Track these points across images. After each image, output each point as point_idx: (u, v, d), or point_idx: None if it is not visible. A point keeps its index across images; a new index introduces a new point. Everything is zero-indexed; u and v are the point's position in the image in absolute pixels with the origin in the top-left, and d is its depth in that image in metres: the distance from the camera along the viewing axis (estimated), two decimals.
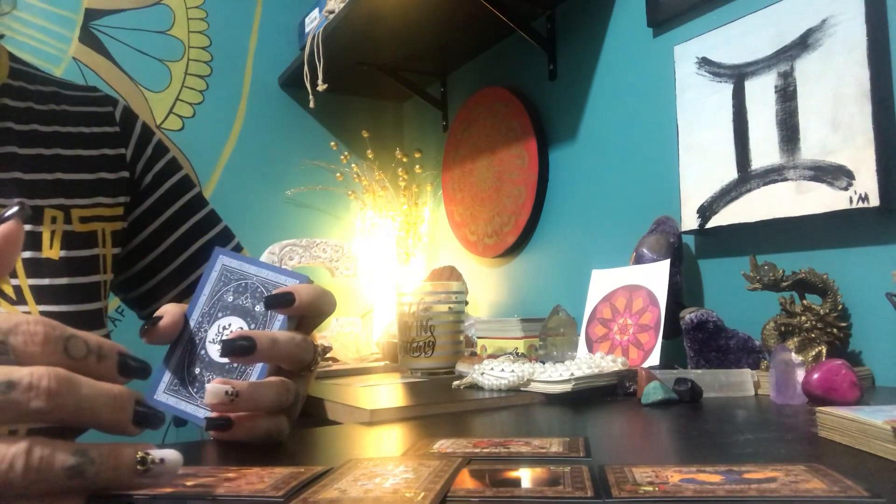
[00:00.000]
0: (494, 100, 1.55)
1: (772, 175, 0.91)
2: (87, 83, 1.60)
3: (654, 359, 0.87)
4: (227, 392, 0.44)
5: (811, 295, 0.82)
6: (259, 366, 0.49)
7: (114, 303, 1.44)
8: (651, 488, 0.33)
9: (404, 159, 1.82)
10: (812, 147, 0.87)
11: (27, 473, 0.28)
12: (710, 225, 0.99)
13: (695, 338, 0.85)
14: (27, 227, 0.61)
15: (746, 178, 0.94)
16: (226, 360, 0.49)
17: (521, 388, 0.77)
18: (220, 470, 0.39)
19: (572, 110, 1.35)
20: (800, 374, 0.66)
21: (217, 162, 1.74)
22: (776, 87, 0.91)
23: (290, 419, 0.51)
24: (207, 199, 0.78)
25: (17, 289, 0.59)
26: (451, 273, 1.48)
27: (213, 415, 0.46)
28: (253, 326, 0.51)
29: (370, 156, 1.81)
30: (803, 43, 0.88)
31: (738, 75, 0.96)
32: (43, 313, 0.60)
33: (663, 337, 0.89)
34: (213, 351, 0.50)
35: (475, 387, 0.81)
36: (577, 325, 1.03)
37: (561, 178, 1.39)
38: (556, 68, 1.39)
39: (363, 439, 0.55)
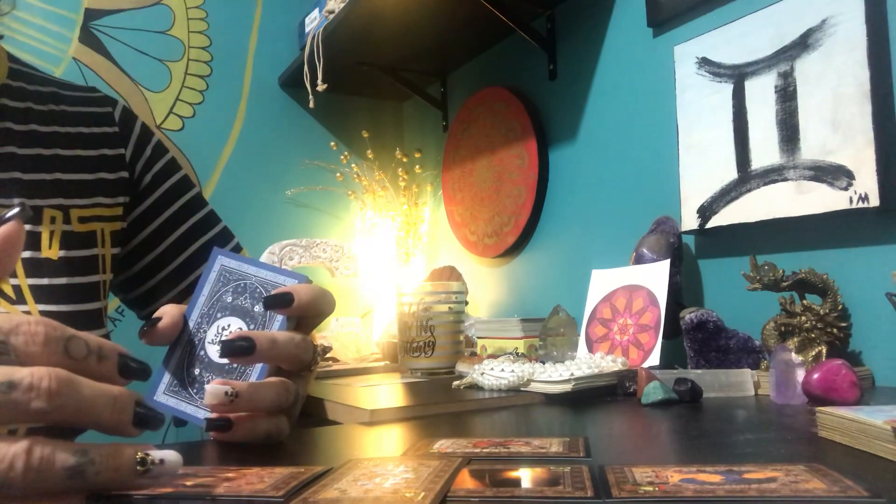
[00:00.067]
0: (494, 100, 1.55)
1: (772, 175, 0.91)
2: (87, 83, 1.60)
3: (654, 359, 0.87)
4: (226, 393, 0.44)
5: (811, 295, 0.82)
6: (259, 366, 0.49)
7: (114, 303, 1.44)
8: (651, 488, 0.33)
9: (404, 159, 1.82)
10: (812, 147, 0.87)
11: (27, 473, 0.28)
12: (710, 225, 0.99)
13: (695, 338, 0.85)
14: (26, 227, 0.61)
15: (746, 178, 0.94)
16: (225, 360, 0.49)
17: (521, 389, 0.77)
18: (220, 470, 0.39)
19: (572, 110, 1.35)
20: (800, 374, 0.66)
21: (217, 162, 1.74)
22: (776, 87, 0.91)
23: (290, 419, 0.51)
24: (207, 199, 0.78)
25: (17, 288, 0.59)
26: (451, 273, 1.48)
27: (213, 415, 0.46)
28: (252, 327, 0.51)
29: (370, 156, 1.81)
30: (803, 43, 0.88)
31: (738, 75, 0.96)
32: (42, 313, 0.60)
33: (663, 337, 0.89)
34: (213, 351, 0.50)
35: (475, 387, 0.81)
36: (577, 325, 1.03)
37: (561, 178, 1.39)
38: (556, 68, 1.39)
39: (363, 439, 0.55)
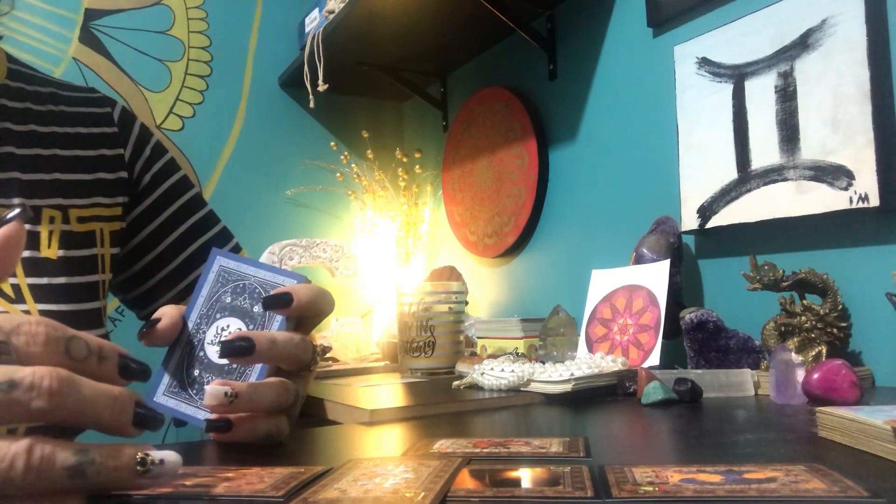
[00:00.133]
0: (494, 100, 1.55)
1: (772, 175, 0.91)
2: (87, 83, 1.60)
3: (654, 359, 0.87)
4: (226, 393, 0.44)
5: (811, 295, 0.82)
6: (258, 366, 0.49)
7: (114, 303, 1.44)
8: (651, 488, 0.33)
9: (404, 159, 1.82)
10: (812, 147, 0.87)
11: (28, 472, 0.28)
12: (710, 225, 0.99)
13: (695, 338, 0.85)
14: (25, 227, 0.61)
15: (746, 179, 0.94)
16: (225, 361, 0.49)
17: (521, 389, 0.77)
18: (220, 470, 0.39)
19: (572, 110, 1.35)
20: (800, 374, 0.66)
21: (217, 162, 1.74)
22: (776, 87, 0.91)
23: (290, 419, 0.51)
24: (207, 199, 0.78)
25: (16, 287, 0.59)
26: (451, 273, 1.48)
27: (213, 416, 0.46)
28: (251, 327, 0.50)
29: (370, 156, 1.81)
30: (803, 43, 0.88)
31: (738, 75, 0.96)
32: (41, 312, 0.60)
33: (663, 337, 0.89)
34: (212, 352, 0.50)
35: (475, 387, 0.81)
36: (577, 325, 1.03)
37: (561, 178, 1.39)
38: (556, 68, 1.39)
39: (363, 439, 0.55)
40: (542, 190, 1.42)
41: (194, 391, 0.50)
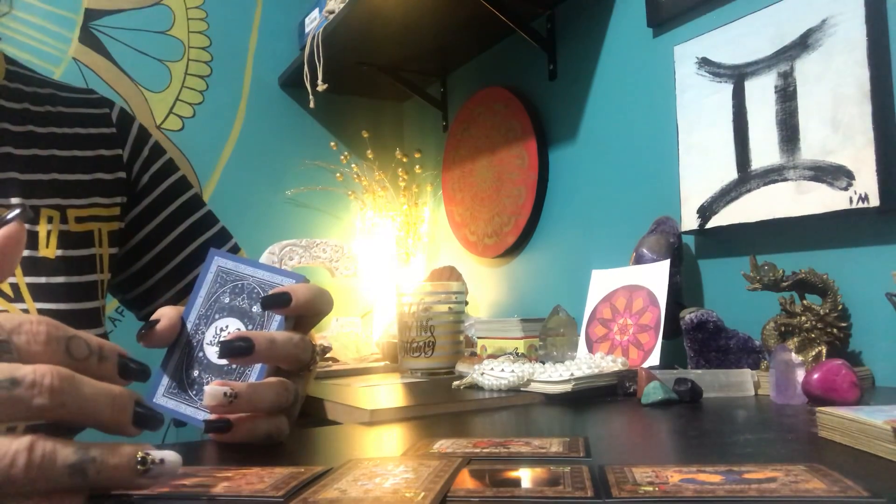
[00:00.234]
0: (494, 100, 1.55)
1: (772, 175, 0.91)
2: (86, 83, 1.60)
3: (654, 359, 0.87)
4: (225, 394, 0.44)
5: (811, 295, 0.82)
6: (258, 367, 0.49)
7: (114, 303, 1.44)
8: (651, 488, 0.33)
9: (404, 159, 1.82)
10: (812, 147, 0.87)
11: (29, 470, 0.28)
12: (710, 225, 0.99)
13: (695, 338, 0.85)
14: None
15: (746, 179, 0.94)
16: (224, 361, 0.49)
17: (521, 389, 0.77)
18: (220, 470, 0.39)
19: (572, 110, 1.35)
20: (800, 375, 0.66)
21: (217, 162, 1.74)
22: (776, 87, 0.91)
23: (289, 419, 0.51)
24: (207, 200, 0.78)
25: (15, 286, 0.60)
26: (451, 273, 1.48)
27: (213, 417, 0.46)
28: (250, 327, 0.50)
29: (370, 156, 1.81)
30: (803, 43, 0.88)
31: (738, 75, 0.96)
32: (40, 311, 0.60)
33: (663, 337, 0.89)
34: (211, 353, 0.50)
35: (475, 387, 0.81)
36: (577, 325, 1.03)
37: (561, 178, 1.39)
38: (556, 68, 1.39)
39: (363, 439, 0.55)
40: (542, 190, 1.42)
41: (194, 392, 0.50)
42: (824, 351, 0.77)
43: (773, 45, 0.92)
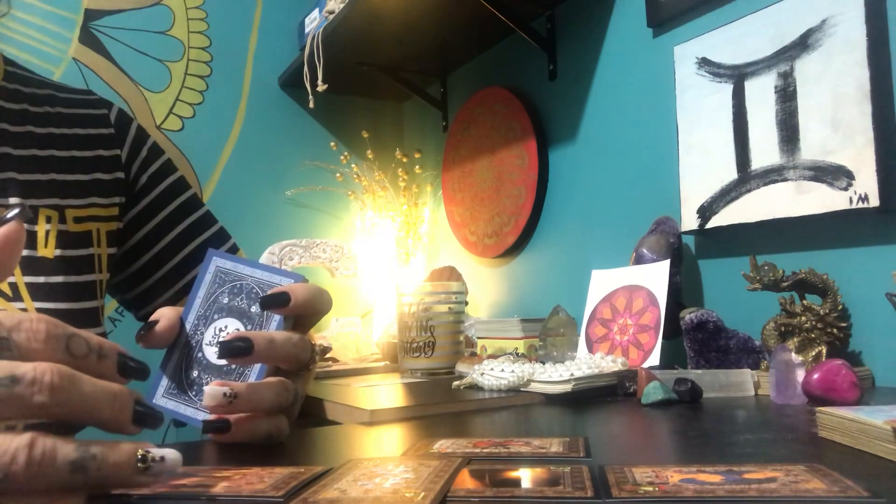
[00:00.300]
0: (494, 100, 1.55)
1: (772, 175, 0.91)
2: (86, 83, 1.60)
3: (654, 359, 0.87)
4: (225, 394, 0.44)
5: (811, 295, 0.82)
6: (257, 367, 0.49)
7: (113, 304, 1.44)
8: (651, 488, 0.33)
9: (404, 159, 1.82)
10: (812, 147, 0.87)
11: (30, 467, 0.28)
12: (710, 225, 0.99)
13: (695, 338, 0.85)
14: None
15: (746, 179, 0.94)
16: (223, 361, 0.49)
17: (521, 389, 0.77)
18: (220, 470, 0.39)
19: (572, 110, 1.35)
20: (800, 375, 0.66)
21: (217, 162, 1.74)
22: (776, 87, 0.91)
23: (289, 419, 0.51)
24: (207, 200, 0.78)
25: (13, 286, 0.60)
26: (451, 273, 1.48)
27: (213, 417, 0.46)
28: (249, 327, 0.50)
29: (370, 156, 1.81)
30: (803, 43, 0.88)
31: (737, 75, 0.96)
32: (39, 310, 0.60)
33: (663, 337, 0.89)
34: (211, 353, 0.50)
35: (475, 387, 0.81)
36: (577, 325, 1.03)
37: (561, 178, 1.39)
38: (556, 68, 1.39)
39: (363, 439, 0.55)
40: (542, 190, 1.42)
41: (193, 393, 0.50)
42: (824, 351, 0.77)
43: (773, 45, 0.92)
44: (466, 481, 0.36)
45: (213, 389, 0.44)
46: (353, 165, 1.83)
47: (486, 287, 1.61)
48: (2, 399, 0.29)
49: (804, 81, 0.88)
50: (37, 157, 0.65)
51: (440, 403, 0.71)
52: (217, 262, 0.53)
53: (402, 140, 2.00)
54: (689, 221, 1.02)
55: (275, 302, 0.49)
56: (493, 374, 0.79)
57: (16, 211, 0.36)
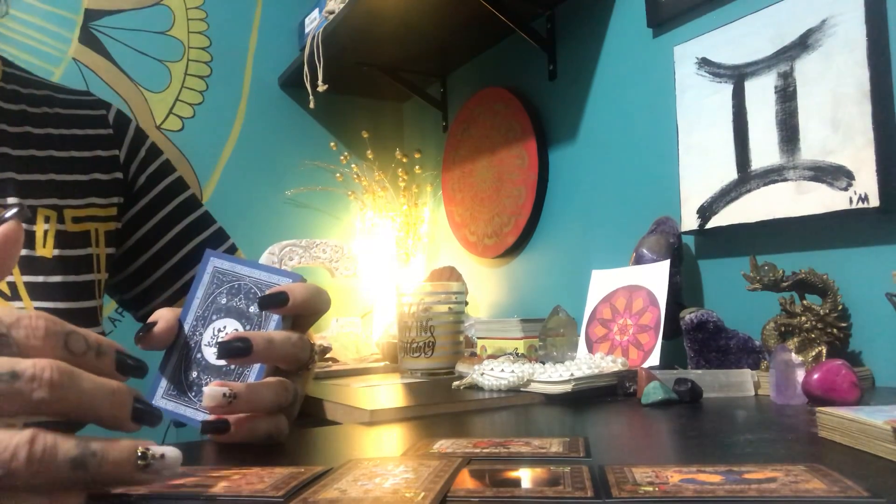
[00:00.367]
0: (494, 100, 1.55)
1: (772, 175, 0.91)
2: (86, 83, 1.60)
3: (654, 359, 0.87)
4: (224, 394, 0.44)
5: (811, 295, 0.82)
6: (256, 367, 0.49)
7: (113, 304, 1.44)
8: (651, 488, 0.33)
9: (404, 160, 1.82)
10: (812, 147, 0.87)
11: (30, 463, 0.28)
12: (709, 225, 0.99)
13: (695, 338, 0.85)
14: None
15: (746, 179, 0.94)
16: (223, 362, 0.49)
17: (521, 389, 0.77)
18: (220, 470, 0.39)
19: (572, 110, 1.35)
20: (800, 375, 0.66)
21: (217, 162, 1.74)
22: (776, 87, 0.91)
23: (289, 419, 0.51)
24: (207, 200, 0.79)
25: (12, 285, 0.60)
26: (451, 273, 1.48)
27: (211, 418, 0.46)
28: (248, 328, 0.50)
29: (370, 156, 1.81)
30: (803, 43, 0.88)
31: (737, 76, 0.96)
32: (37, 309, 0.60)
33: (663, 337, 0.89)
34: (210, 354, 0.50)
35: (475, 387, 0.81)
36: (577, 325, 1.03)
37: (561, 178, 1.39)
38: (556, 68, 1.39)
39: (363, 439, 0.55)
40: (542, 190, 1.42)
41: (193, 394, 0.49)
42: (824, 351, 0.77)
43: (773, 45, 0.92)
44: (466, 481, 0.36)
45: (212, 390, 0.44)
46: (353, 165, 1.83)
47: (486, 287, 1.61)
48: (2, 394, 0.29)
49: (804, 81, 0.88)
50: (35, 158, 0.65)
51: (440, 403, 0.71)
52: (215, 263, 0.53)
53: (402, 140, 2.00)
54: (689, 221, 1.02)
55: (273, 302, 0.49)
56: (493, 374, 0.79)
57: (14, 211, 0.36)
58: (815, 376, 0.63)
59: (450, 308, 1.12)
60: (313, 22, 1.66)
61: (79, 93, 0.74)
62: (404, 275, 1.71)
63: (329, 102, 1.83)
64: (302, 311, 0.50)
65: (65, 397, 0.30)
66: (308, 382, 0.54)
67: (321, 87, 1.49)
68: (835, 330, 0.79)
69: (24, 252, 0.61)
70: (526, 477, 0.37)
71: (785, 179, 0.90)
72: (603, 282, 1.02)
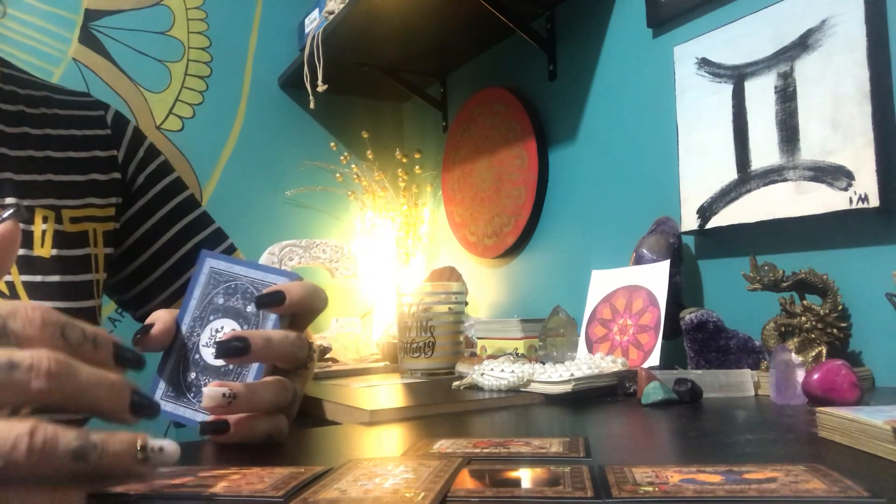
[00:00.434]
0: (494, 100, 1.55)
1: (772, 175, 0.91)
2: (86, 84, 1.60)
3: (654, 359, 0.87)
4: (224, 394, 0.44)
5: (811, 295, 0.82)
6: (255, 367, 0.49)
7: (113, 304, 1.44)
8: (651, 488, 0.33)
9: (404, 160, 1.82)
10: (812, 147, 0.87)
11: (31, 454, 0.28)
12: (709, 225, 0.99)
13: (695, 338, 0.85)
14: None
15: (746, 179, 0.94)
16: (221, 362, 0.49)
17: (521, 389, 0.77)
18: (220, 470, 0.39)
19: (572, 110, 1.35)
20: (800, 375, 0.66)
21: (217, 162, 1.74)
22: (776, 87, 0.91)
23: (288, 418, 0.51)
24: (207, 200, 0.79)
25: (10, 284, 0.60)
26: (451, 273, 1.48)
27: (211, 418, 0.46)
28: (246, 327, 0.50)
29: (370, 156, 1.81)
30: (803, 43, 0.88)
31: (737, 76, 0.96)
32: None
33: (663, 337, 0.89)
34: (208, 354, 0.50)
35: (475, 387, 0.81)
36: (577, 325, 1.03)
37: (561, 179, 1.39)
38: (556, 68, 1.39)
39: (363, 439, 0.55)
40: (542, 190, 1.42)
41: (192, 394, 0.49)
42: (824, 351, 0.77)
43: (772, 45, 0.92)
44: (466, 481, 0.36)
45: (211, 390, 0.44)
46: (352, 166, 1.83)
47: (486, 287, 1.61)
48: (0, 384, 0.29)
49: (804, 82, 0.88)
50: (33, 158, 0.65)
51: (440, 404, 0.71)
52: (211, 263, 0.53)
53: (402, 140, 2.00)
54: (689, 221, 1.02)
55: (270, 301, 0.49)
56: (493, 374, 0.79)
57: (10, 211, 0.36)
58: (815, 376, 0.63)
59: (450, 308, 1.12)
60: (313, 22, 1.66)
61: (77, 94, 0.74)
62: (404, 275, 1.71)
63: (329, 103, 1.83)
64: (299, 310, 0.50)
65: (63, 387, 0.30)
66: (307, 382, 0.54)
67: (321, 88, 1.49)
68: (835, 330, 0.79)
69: (22, 252, 0.61)
70: (526, 477, 0.37)
71: (785, 179, 0.90)
72: (603, 282, 1.02)
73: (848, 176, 0.82)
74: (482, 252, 1.59)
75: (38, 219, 0.64)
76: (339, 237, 1.84)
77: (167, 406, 0.49)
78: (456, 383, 0.84)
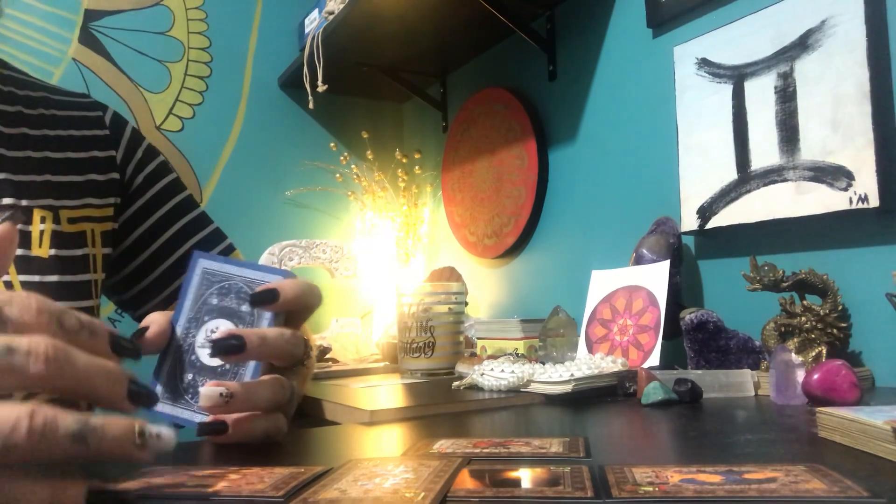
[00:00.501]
0: (494, 100, 1.55)
1: (771, 175, 0.91)
2: (86, 84, 1.60)
3: (654, 359, 0.87)
4: (221, 394, 0.44)
5: (811, 295, 0.81)
6: (251, 366, 0.49)
7: (112, 305, 1.44)
8: (651, 488, 0.33)
9: (404, 160, 1.82)
10: (812, 147, 0.87)
11: (31, 436, 0.28)
12: (709, 225, 0.99)
13: (695, 338, 0.85)
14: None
15: (746, 179, 0.94)
16: (217, 362, 0.49)
17: (521, 389, 0.77)
18: (220, 470, 0.39)
19: (572, 111, 1.35)
20: (800, 375, 0.66)
21: (217, 162, 1.74)
22: (776, 87, 0.91)
23: (287, 416, 0.51)
24: (207, 200, 0.79)
25: (8, 284, 0.60)
26: (451, 274, 1.48)
27: (209, 419, 0.46)
28: (241, 326, 0.50)
29: (370, 157, 1.81)
30: (803, 44, 0.88)
31: (737, 76, 0.96)
32: None
33: (663, 337, 0.89)
34: (204, 355, 0.50)
35: (475, 387, 0.81)
36: (577, 325, 1.03)
37: (561, 179, 1.39)
38: (556, 69, 1.39)
39: (363, 439, 0.55)
40: (542, 190, 1.42)
41: (189, 396, 0.49)
42: (824, 351, 0.77)
43: (772, 45, 0.92)
44: (466, 481, 0.36)
45: (208, 390, 0.44)
46: (352, 166, 1.83)
47: (486, 287, 1.61)
48: None
49: (804, 82, 0.88)
50: (31, 159, 0.65)
51: (440, 404, 0.71)
52: (203, 264, 0.52)
53: (401, 140, 2.00)
54: (689, 222, 1.02)
55: (264, 299, 0.48)
56: (493, 374, 0.79)
57: (7, 213, 0.36)
58: (815, 376, 0.63)
59: (450, 308, 1.12)
60: (313, 22, 1.66)
61: (75, 94, 0.74)
62: (404, 275, 1.71)
63: (329, 103, 1.83)
64: (293, 307, 0.50)
65: (61, 373, 0.31)
66: (305, 380, 0.54)
67: (321, 88, 1.49)
68: (835, 330, 0.79)
69: (20, 252, 0.62)
70: (526, 477, 0.37)
71: (785, 180, 0.90)
72: (603, 282, 1.02)
73: (848, 176, 0.82)
74: (482, 252, 1.59)
75: (35, 219, 0.64)
76: (339, 237, 1.84)
77: (165, 409, 0.49)
78: (456, 383, 0.83)
